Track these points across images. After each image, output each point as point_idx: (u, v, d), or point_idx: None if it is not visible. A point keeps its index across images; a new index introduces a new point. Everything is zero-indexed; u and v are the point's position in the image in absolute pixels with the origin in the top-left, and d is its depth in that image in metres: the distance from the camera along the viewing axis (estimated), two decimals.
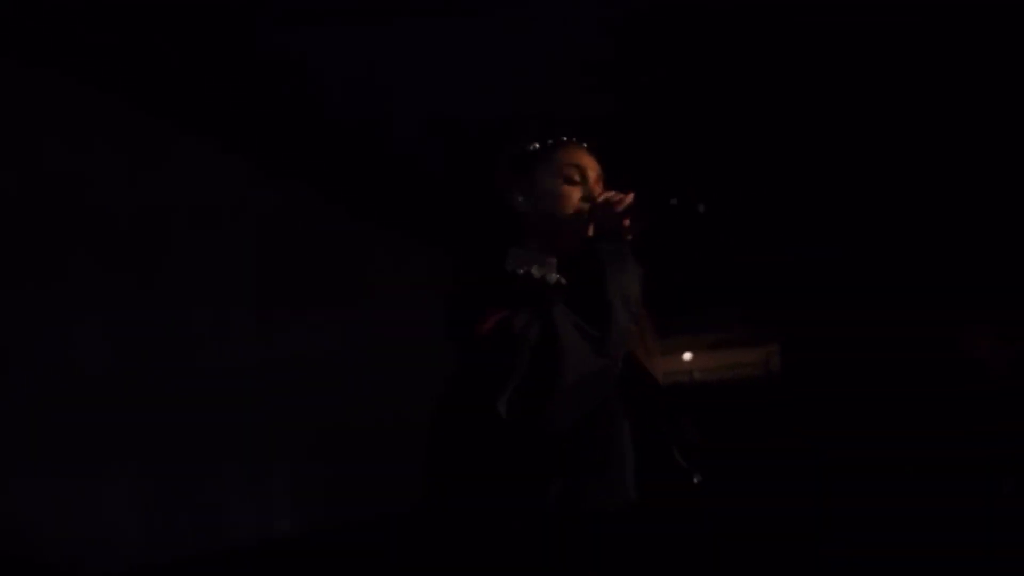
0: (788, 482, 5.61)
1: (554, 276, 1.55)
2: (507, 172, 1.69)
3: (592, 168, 1.67)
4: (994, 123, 4.00)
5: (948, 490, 4.86)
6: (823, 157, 4.37)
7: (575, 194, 1.63)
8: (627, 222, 1.54)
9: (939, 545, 4.03)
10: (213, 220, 3.82)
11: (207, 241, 3.76)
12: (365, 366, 4.59)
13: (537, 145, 1.68)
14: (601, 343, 1.37)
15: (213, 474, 3.64)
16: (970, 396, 5.25)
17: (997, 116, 3.95)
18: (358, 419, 4.43)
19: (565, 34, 3.08)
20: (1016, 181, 4.44)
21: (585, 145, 1.70)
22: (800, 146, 4.26)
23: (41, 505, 2.89)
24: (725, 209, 1.43)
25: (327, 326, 4.41)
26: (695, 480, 1.44)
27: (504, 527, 1.39)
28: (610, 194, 1.59)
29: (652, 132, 3.90)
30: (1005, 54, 3.41)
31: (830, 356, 5.91)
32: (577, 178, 1.65)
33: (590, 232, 1.60)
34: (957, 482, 4.82)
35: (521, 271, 1.54)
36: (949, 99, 3.79)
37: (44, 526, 2.89)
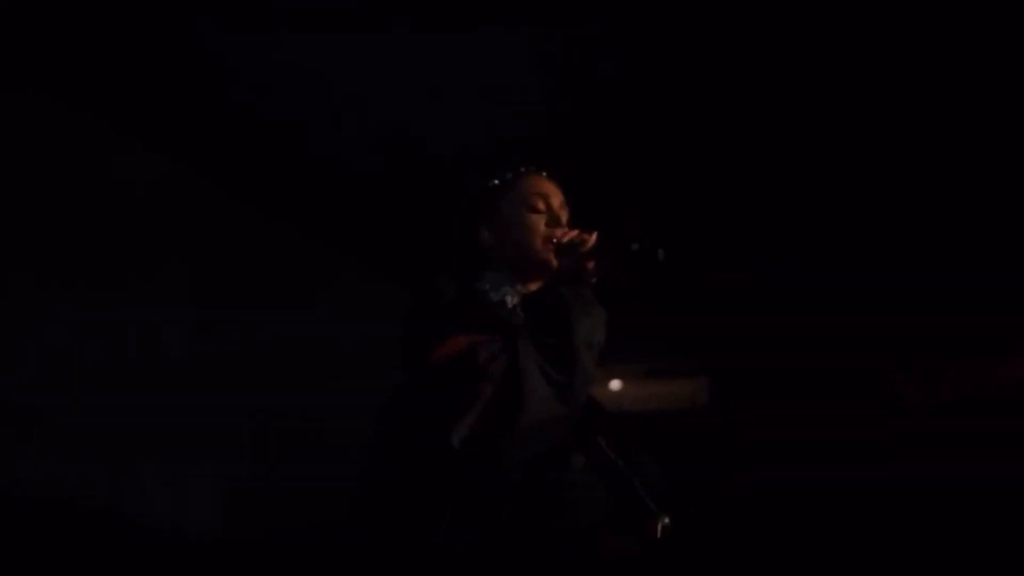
0: (713, 516, 5.66)
1: (519, 310, 1.55)
2: (471, 205, 1.70)
3: (555, 195, 1.70)
4: (928, 165, 4.10)
5: (874, 522, 4.98)
6: (760, 195, 4.44)
7: (540, 223, 1.65)
8: (590, 264, 1.54)
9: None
10: (149, 220, 3.80)
11: (142, 240, 3.75)
12: (297, 373, 4.53)
13: (497, 181, 1.70)
14: (565, 389, 1.37)
15: (135, 471, 3.61)
16: (895, 434, 5.41)
17: (927, 161, 4.06)
18: (287, 425, 4.35)
19: (529, 56, 3.06)
20: (948, 222, 4.55)
21: (545, 173, 1.73)
22: (738, 182, 4.32)
23: None
24: (671, 243, 1.44)
25: (260, 330, 4.35)
26: (661, 524, 1.43)
27: (448, 560, 1.36)
28: (574, 234, 1.59)
29: (608, 163, 3.92)
30: (958, 90, 3.50)
31: (759, 391, 6.00)
32: (542, 207, 1.67)
33: (554, 263, 1.61)
34: (885, 515, 4.95)
35: (495, 297, 1.56)
36: (879, 137, 3.88)
37: None
